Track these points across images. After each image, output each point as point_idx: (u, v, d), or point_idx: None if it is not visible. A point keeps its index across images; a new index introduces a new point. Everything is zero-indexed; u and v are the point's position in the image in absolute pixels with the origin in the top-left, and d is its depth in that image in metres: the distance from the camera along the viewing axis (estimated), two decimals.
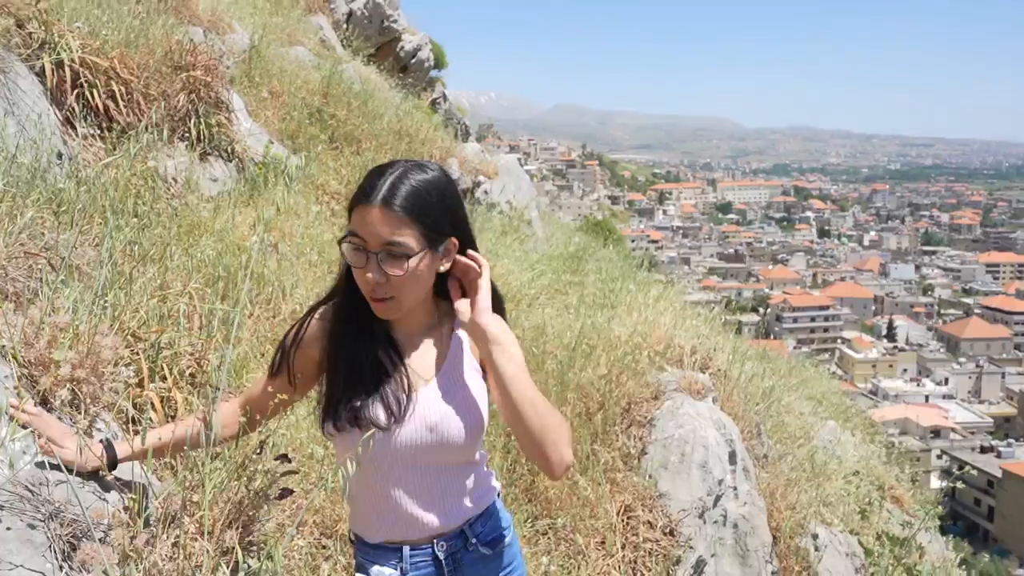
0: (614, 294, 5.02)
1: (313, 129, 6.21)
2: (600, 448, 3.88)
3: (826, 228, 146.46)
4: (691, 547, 3.74)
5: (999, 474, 46.50)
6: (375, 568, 1.62)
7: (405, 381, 1.59)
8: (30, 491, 1.35)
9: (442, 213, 1.55)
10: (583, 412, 3.97)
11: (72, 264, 2.37)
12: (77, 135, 3.93)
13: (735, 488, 4.06)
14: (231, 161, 4.99)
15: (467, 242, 1.63)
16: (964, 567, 6.23)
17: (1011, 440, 55.80)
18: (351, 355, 1.59)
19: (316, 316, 1.66)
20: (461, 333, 1.67)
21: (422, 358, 1.65)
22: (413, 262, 1.50)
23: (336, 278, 1.67)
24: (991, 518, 46.94)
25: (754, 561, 3.88)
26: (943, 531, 6.34)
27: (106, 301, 2.07)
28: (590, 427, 3.91)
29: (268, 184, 4.91)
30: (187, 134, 4.68)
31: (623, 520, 3.71)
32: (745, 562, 3.89)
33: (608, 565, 3.49)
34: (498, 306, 1.67)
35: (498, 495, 1.79)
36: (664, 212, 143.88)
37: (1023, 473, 45.51)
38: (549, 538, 3.51)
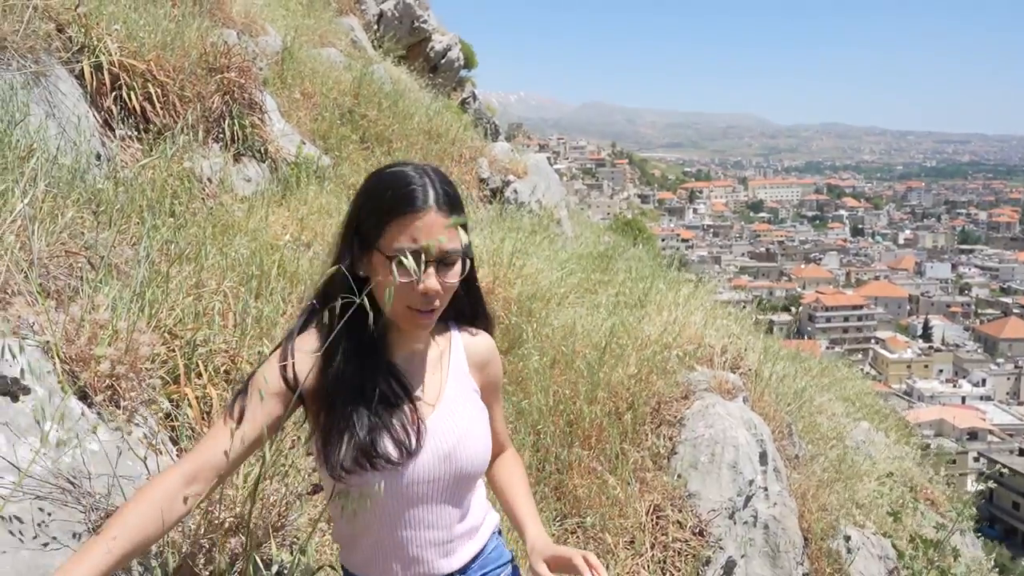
0: (644, 293, 5.00)
1: (344, 129, 6.27)
2: (629, 447, 3.87)
3: (860, 226, 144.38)
4: (721, 547, 3.72)
5: None
6: None
7: (413, 410, 1.49)
8: (71, 483, 1.39)
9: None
10: (612, 411, 3.97)
11: (111, 263, 2.43)
12: (115, 137, 4.01)
13: (766, 489, 4.03)
14: (264, 161, 5.06)
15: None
16: (1000, 572, 6.12)
17: None
18: (352, 387, 1.45)
19: (296, 348, 1.48)
20: (457, 350, 1.63)
21: (424, 382, 1.56)
22: (458, 267, 1.46)
23: (313, 301, 1.53)
24: None
25: (785, 562, 3.85)
26: (979, 533, 6.24)
27: (144, 299, 2.12)
28: (619, 426, 3.91)
29: (300, 184, 4.97)
30: (221, 135, 4.76)
31: (652, 520, 3.70)
32: (775, 563, 3.86)
33: (637, 564, 3.49)
34: (488, 325, 1.68)
35: (499, 532, 1.73)
36: (695, 211, 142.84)
37: None
38: (578, 537, 3.51)
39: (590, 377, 3.96)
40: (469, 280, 1.58)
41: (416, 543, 1.50)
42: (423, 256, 1.38)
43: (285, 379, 1.45)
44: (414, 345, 1.56)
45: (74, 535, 1.37)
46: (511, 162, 7.84)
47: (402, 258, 1.36)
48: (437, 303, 1.44)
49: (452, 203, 1.43)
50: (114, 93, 4.12)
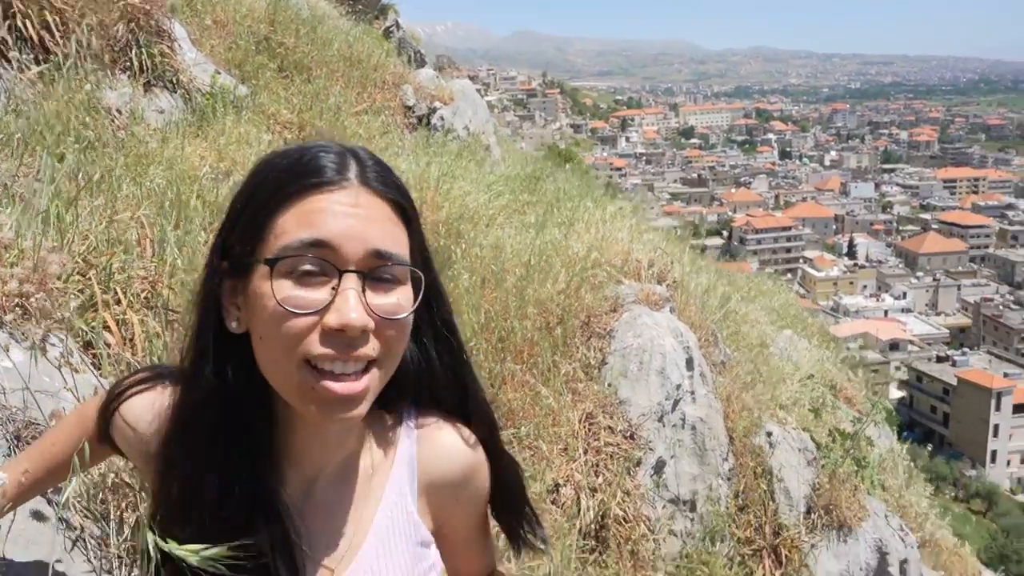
0: (571, 212, 5.06)
1: (261, 58, 6.06)
2: (561, 360, 3.98)
3: (788, 149, 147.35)
4: (651, 449, 3.88)
5: (954, 382, 48.33)
6: None
7: None
8: None
9: (419, 222, 0.95)
10: (543, 326, 4.05)
11: (14, 194, 2.35)
12: (12, 67, 3.81)
13: (692, 392, 4.20)
14: (176, 92, 4.87)
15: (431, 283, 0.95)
16: (911, 460, 6.56)
17: (966, 349, 57.85)
18: (206, 525, 0.89)
19: (132, 415, 0.99)
20: (400, 468, 1.00)
21: (331, 531, 0.96)
22: (406, 291, 0.89)
23: (189, 350, 0.92)
24: (946, 424, 48.94)
25: (711, 459, 4.05)
26: (901, 437, 6.60)
27: (49, 218, 2.07)
28: (551, 340, 4.00)
29: (216, 114, 4.82)
30: (129, 65, 4.56)
31: (585, 427, 3.83)
32: (703, 461, 4.06)
33: (571, 469, 3.62)
34: (490, 427, 1.07)
35: None
36: (627, 139, 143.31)
37: (976, 380, 47.36)
38: (514, 447, 3.62)
39: (520, 294, 4.02)
40: (446, 336, 1.01)
41: None
42: (332, 261, 0.83)
43: (108, 437, 1.02)
44: (329, 457, 0.97)
45: None
46: (437, 88, 7.71)
47: (293, 261, 0.82)
48: (370, 353, 0.85)
49: (386, 180, 0.89)
50: (8, 22, 3.90)
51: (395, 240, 0.87)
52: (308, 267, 0.82)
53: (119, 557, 1.33)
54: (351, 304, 0.81)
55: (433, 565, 1.02)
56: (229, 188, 3.95)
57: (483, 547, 1.13)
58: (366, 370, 0.85)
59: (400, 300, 0.86)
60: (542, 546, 1.10)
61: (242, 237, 0.86)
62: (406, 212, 0.90)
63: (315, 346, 0.82)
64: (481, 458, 1.04)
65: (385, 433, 1.00)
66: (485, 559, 1.15)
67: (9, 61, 3.90)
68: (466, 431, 1.03)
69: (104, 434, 1.02)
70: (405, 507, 0.99)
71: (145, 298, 2.54)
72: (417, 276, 0.90)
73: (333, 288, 0.82)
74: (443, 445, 1.01)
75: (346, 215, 0.83)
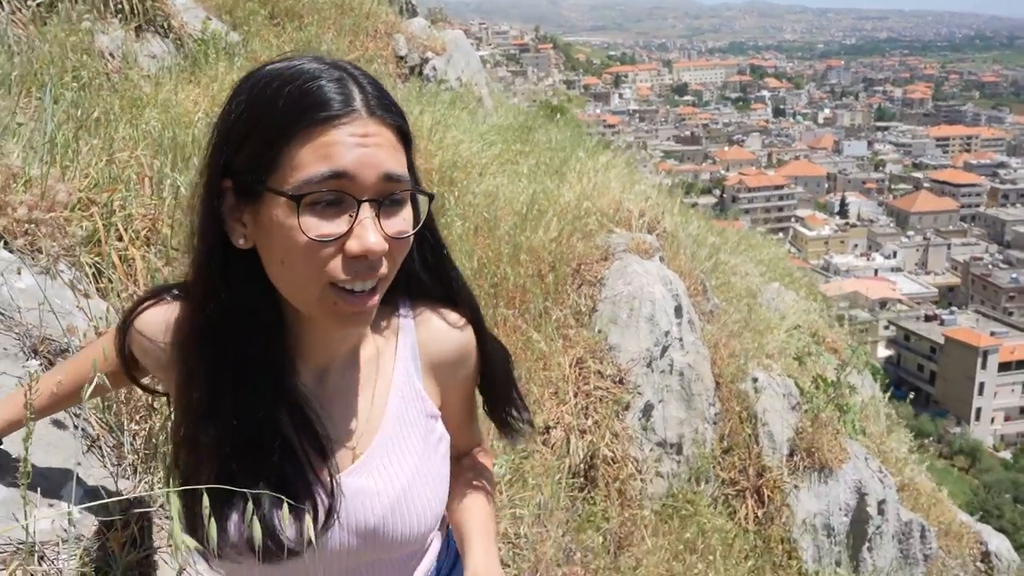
0: (563, 162, 5.09)
1: (252, 4, 6.01)
2: (552, 306, 4.05)
3: (781, 107, 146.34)
4: (640, 393, 3.98)
5: (941, 341, 48.88)
6: None
7: (324, 464, 0.98)
8: (1, 314, 1.44)
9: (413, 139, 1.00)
10: (535, 273, 4.12)
11: (14, 130, 2.37)
12: (4, 8, 3.79)
13: (681, 339, 4.30)
14: (168, 37, 4.85)
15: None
16: (895, 414, 6.71)
17: (954, 308, 58.34)
18: (230, 422, 0.95)
19: (147, 327, 1.06)
20: (405, 351, 1.08)
21: (347, 413, 1.04)
22: (410, 210, 0.95)
23: (198, 265, 0.97)
24: (933, 382, 49.60)
25: (698, 404, 4.16)
26: (884, 390, 6.72)
27: (56, 146, 2.10)
28: (542, 287, 4.07)
29: (209, 60, 4.80)
30: (120, 8, 4.53)
31: (576, 371, 3.92)
32: (690, 405, 4.17)
33: (562, 411, 3.72)
34: (474, 311, 1.13)
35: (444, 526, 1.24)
36: (620, 96, 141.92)
37: (963, 339, 47.91)
38: None
39: (512, 242, 4.08)
40: (428, 236, 1.07)
41: None
42: (350, 192, 0.88)
43: (125, 360, 1.09)
44: (336, 350, 1.03)
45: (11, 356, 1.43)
46: (429, 39, 7.66)
47: (315, 196, 0.86)
48: (383, 272, 0.92)
49: (388, 106, 0.92)
50: None
51: (399, 163, 0.92)
52: (329, 199, 0.87)
53: (132, 466, 1.41)
54: (370, 231, 0.88)
55: (441, 436, 1.10)
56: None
57: (472, 423, 1.23)
58: (377, 285, 0.93)
59: (406, 219, 0.93)
60: (528, 428, 1.18)
61: (250, 164, 0.89)
62: (406, 134, 0.95)
63: (339, 272, 0.88)
64: (471, 337, 1.12)
65: (386, 323, 1.08)
66: (474, 436, 1.25)
67: (1, 5, 3.88)
68: (455, 315, 1.10)
69: (123, 348, 1.08)
70: (413, 385, 1.07)
71: (146, 236, 2.59)
72: (415, 195, 0.97)
73: (351, 216, 0.88)
74: (439, 328, 1.09)
75: (358, 146, 0.87)
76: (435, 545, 1.18)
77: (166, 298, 1.06)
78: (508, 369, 1.17)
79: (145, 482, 1.45)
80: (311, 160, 0.86)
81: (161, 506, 1.40)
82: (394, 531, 1.03)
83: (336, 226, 0.87)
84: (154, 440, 1.47)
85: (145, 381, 1.17)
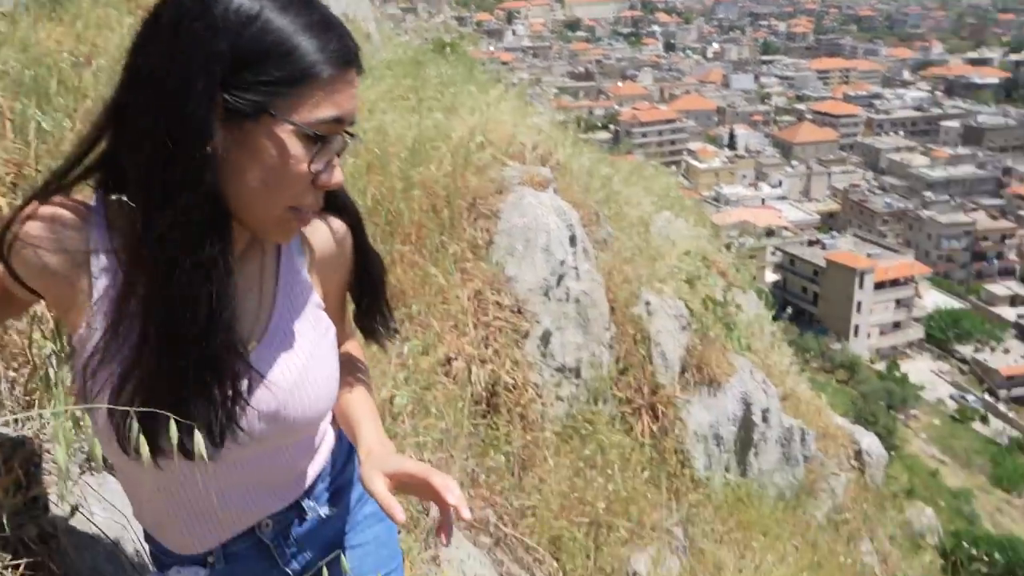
0: (455, 97, 5.06)
1: None
2: (449, 241, 4.08)
3: (672, 42, 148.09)
4: (538, 322, 4.09)
5: (823, 264, 51.79)
6: (173, 570, 1.13)
7: (234, 358, 1.01)
8: None
9: None
10: (431, 208, 4.12)
11: None
12: None
13: (576, 268, 4.42)
14: None
15: None
16: (783, 335, 7.12)
17: (834, 233, 61.68)
18: (169, 328, 0.95)
19: (37, 234, 0.98)
20: (294, 248, 1.14)
21: (244, 304, 1.06)
22: None
23: (152, 172, 0.93)
24: (816, 303, 52.62)
25: (594, 328, 4.31)
26: (774, 317, 7.08)
27: None
28: (438, 222, 4.08)
29: None
30: None
31: (474, 304, 3.98)
32: (587, 331, 4.32)
33: (462, 343, 3.79)
34: (355, 218, 1.21)
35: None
36: (514, 32, 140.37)
37: (842, 261, 50.91)
38: (406, 326, 3.75)
39: (405, 177, 4.06)
40: None
41: (229, 504, 1.11)
42: (338, 134, 0.99)
43: (11, 271, 1.00)
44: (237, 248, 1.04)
45: None
46: None
47: (321, 134, 0.95)
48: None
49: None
50: None
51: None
52: (325, 138, 0.97)
53: (11, 411, 1.37)
54: (338, 168, 1.01)
55: (328, 326, 1.17)
56: (92, 73, 3.74)
57: (344, 319, 1.30)
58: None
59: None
60: (392, 334, 1.28)
61: (262, 88, 0.91)
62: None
63: (307, 197, 1.00)
64: (350, 241, 1.20)
65: None
66: (347, 330, 1.31)
67: None
68: (338, 221, 1.19)
69: (7, 267, 0.99)
70: (301, 276, 1.13)
71: (12, 182, 2.46)
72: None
73: (336, 155, 1.00)
74: (322, 229, 1.17)
75: (353, 96, 0.98)
76: (328, 440, 1.24)
77: (46, 202, 0.99)
78: (382, 279, 1.27)
79: (28, 427, 1.41)
80: (324, 102, 0.95)
81: (47, 451, 1.37)
82: (295, 412, 1.08)
83: (322, 162, 0.98)
84: (35, 384, 1.43)
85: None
